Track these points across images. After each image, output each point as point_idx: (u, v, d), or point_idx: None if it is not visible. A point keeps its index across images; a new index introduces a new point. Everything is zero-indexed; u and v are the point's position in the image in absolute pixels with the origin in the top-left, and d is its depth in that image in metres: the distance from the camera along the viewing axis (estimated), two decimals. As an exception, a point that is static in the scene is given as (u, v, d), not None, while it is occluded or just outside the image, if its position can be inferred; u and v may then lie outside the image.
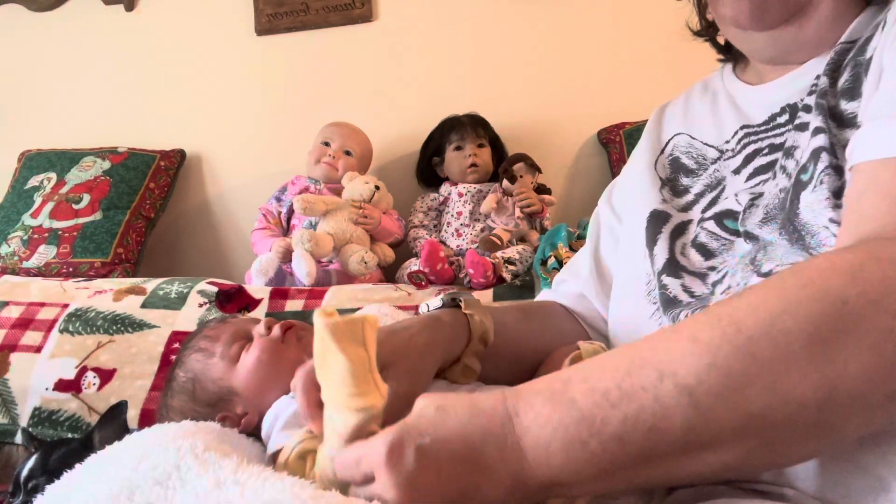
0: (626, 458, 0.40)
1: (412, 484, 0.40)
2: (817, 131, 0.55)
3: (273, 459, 0.57)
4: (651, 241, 0.68)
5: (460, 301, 0.67)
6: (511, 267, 1.67)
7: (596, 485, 0.42)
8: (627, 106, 2.00)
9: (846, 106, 0.55)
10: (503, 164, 1.91)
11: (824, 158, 0.53)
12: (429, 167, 2.03)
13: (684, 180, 0.72)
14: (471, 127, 1.95)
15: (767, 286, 0.42)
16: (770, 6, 0.60)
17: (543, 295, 0.90)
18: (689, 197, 0.71)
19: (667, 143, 0.77)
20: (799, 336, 0.39)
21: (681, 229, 0.68)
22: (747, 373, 0.39)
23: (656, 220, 0.70)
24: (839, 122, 0.55)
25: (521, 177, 1.87)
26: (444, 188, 1.98)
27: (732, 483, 0.52)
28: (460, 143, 1.94)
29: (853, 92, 0.55)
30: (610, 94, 2.08)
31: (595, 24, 2.10)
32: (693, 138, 0.74)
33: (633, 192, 0.78)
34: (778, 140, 0.63)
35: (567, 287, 0.86)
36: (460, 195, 1.92)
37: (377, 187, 1.85)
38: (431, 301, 0.68)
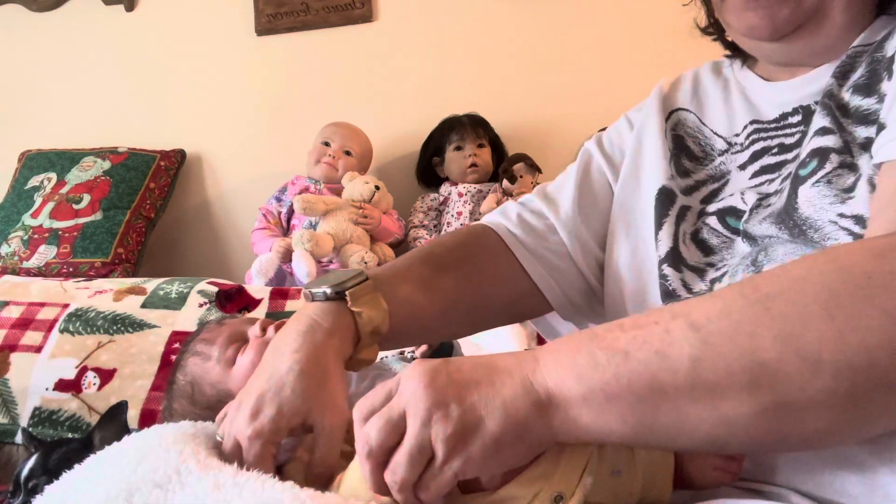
0: (631, 379, 0.40)
1: (432, 375, 0.43)
2: (824, 131, 0.55)
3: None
4: (658, 225, 0.67)
5: (346, 294, 0.59)
6: (511, 267, 1.67)
7: (597, 409, 0.41)
8: (627, 106, 1.99)
9: (860, 102, 0.54)
10: (503, 164, 1.91)
11: (833, 159, 0.53)
12: (429, 167, 2.03)
13: (686, 163, 0.70)
14: (471, 127, 1.95)
15: (795, 261, 0.42)
16: (779, 18, 0.59)
17: (494, 216, 0.79)
18: (690, 181, 0.69)
19: (672, 113, 0.74)
20: (816, 298, 0.38)
21: (683, 213, 0.67)
22: (759, 322, 0.39)
23: (664, 200, 0.67)
24: (851, 120, 0.54)
25: (521, 177, 1.88)
26: (444, 188, 1.98)
27: (732, 482, 0.52)
28: (460, 143, 1.94)
29: (869, 89, 0.54)
30: (610, 94, 2.08)
31: (595, 24, 2.10)
32: (703, 123, 0.72)
33: (644, 156, 0.73)
34: (788, 140, 0.62)
35: (532, 219, 0.76)
36: (460, 195, 1.92)
37: (377, 187, 1.85)
38: (315, 289, 0.60)
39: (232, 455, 0.52)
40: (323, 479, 0.52)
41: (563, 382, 0.42)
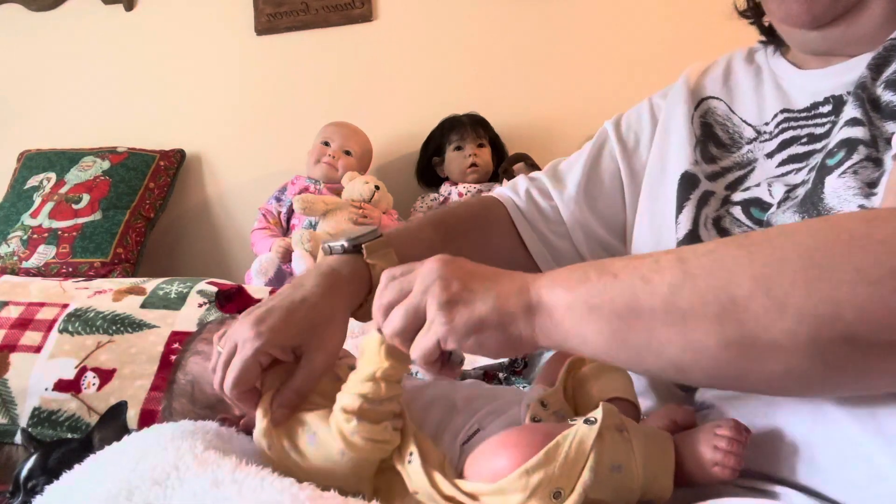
0: (613, 296, 0.45)
1: (451, 262, 0.50)
2: (854, 122, 0.55)
3: None
4: (678, 208, 0.67)
5: (362, 248, 0.64)
6: (511, 267, 1.67)
7: (578, 318, 0.46)
8: (627, 105, 1.99)
9: (891, 98, 0.54)
10: (503, 164, 1.91)
11: (861, 151, 0.53)
12: (429, 167, 2.03)
13: (713, 149, 0.71)
14: (471, 127, 1.95)
15: (795, 222, 0.46)
16: (818, 7, 0.60)
17: (505, 189, 0.83)
18: (716, 168, 0.69)
19: (701, 101, 0.75)
20: (797, 249, 0.41)
21: (706, 198, 0.67)
22: (740, 262, 0.42)
23: (686, 184, 0.68)
24: (880, 114, 0.54)
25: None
26: (445, 188, 1.98)
27: (733, 480, 0.52)
28: (460, 143, 1.94)
29: None
30: (610, 94, 2.08)
31: (596, 23, 2.10)
32: (732, 111, 0.72)
33: (670, 145, 0.74)
34: (818, 130, 0.62)
35: (539, 197, 0.79)
36: (460, 195, 1.92)
37: (377, 187, 1.85)
38: (333, 243, 0.65)
39: (224, 360, 0.57)
40: (287, 407, 0.55)
41: (553, 292, 0.47)
